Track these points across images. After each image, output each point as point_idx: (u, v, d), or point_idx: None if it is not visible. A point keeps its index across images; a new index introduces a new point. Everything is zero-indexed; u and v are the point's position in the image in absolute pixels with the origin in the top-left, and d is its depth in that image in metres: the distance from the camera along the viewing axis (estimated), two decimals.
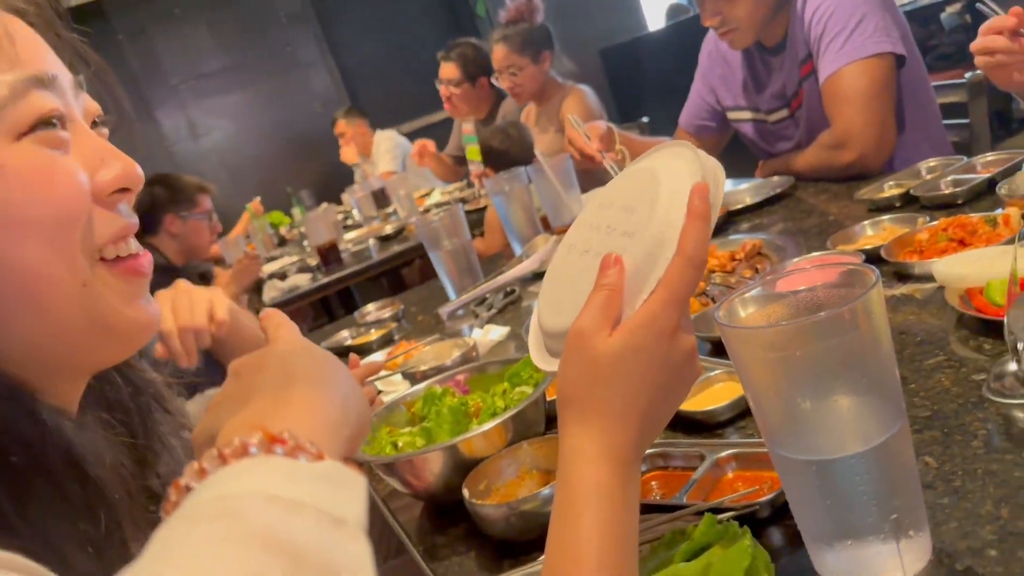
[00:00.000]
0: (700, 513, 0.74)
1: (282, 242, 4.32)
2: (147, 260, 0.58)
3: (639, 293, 0.62)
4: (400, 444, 1.02)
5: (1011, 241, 1.07)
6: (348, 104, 5.40)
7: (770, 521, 0.74)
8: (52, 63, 0.55)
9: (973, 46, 1.23)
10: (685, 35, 5.56)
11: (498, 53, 3.12)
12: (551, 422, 1.07)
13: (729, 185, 2.10)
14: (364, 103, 5.40)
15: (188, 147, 5.69)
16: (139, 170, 0.57)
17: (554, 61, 3.20)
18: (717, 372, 1.01)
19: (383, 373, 1.46)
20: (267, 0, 5.85)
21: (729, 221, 1.77)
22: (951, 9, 5.40)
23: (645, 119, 3.44)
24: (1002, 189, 1.18)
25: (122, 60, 5.39)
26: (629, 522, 0.59)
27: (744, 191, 1.91)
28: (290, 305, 2.95)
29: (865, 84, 1.68)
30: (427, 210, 3.68)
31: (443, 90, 3.69)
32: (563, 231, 2.06)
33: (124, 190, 0.56)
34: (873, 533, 0.60)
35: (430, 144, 4.00)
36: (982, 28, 1.22)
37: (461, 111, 3.74)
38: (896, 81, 1.73)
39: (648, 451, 0.89)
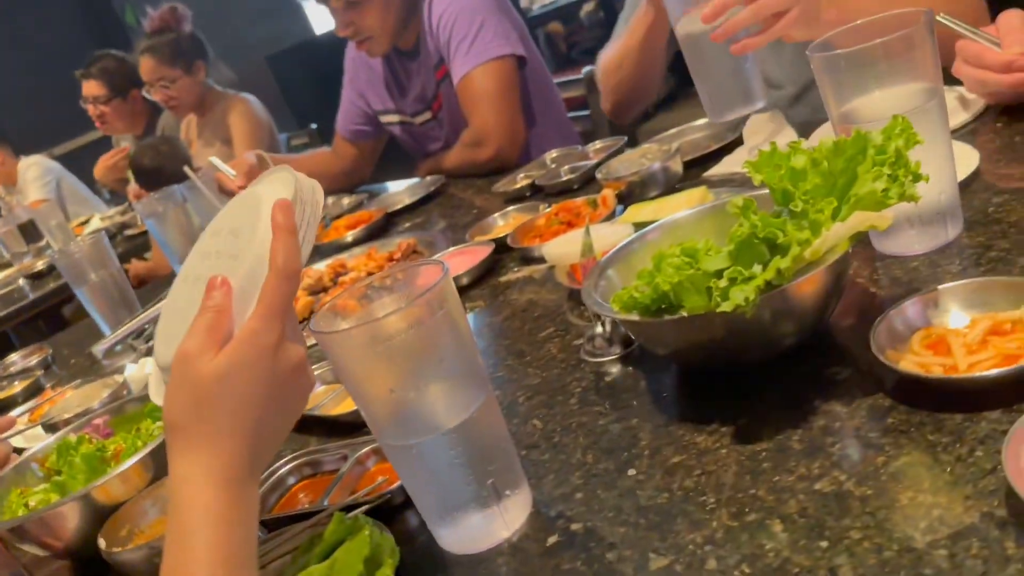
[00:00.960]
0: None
1: None
2: None
3: (246, 313, 0.63)
4: (32, 504, 0.94)
5: (610, 218, 1.23)
6: None
7: (407, 507, 0.79)
8: None
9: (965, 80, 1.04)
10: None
11: (146, 65, 2.94)
12: None
13: (391, 187, 2.17)
14: (5, 128, 4.78)
15: None
16: None
17: (211, 70, 3.08)
18: None
19: (20, 427, 1.32)
20: None
21: (390, 223, 1.83)
22: (587, 8, 6.02)
23: (314, 126, 3.43)
24: (600, 173, 1.35)
25: None
26: (243, 540, 0.59)
27: (403, 192, 1.98)
28: None
29: (492, 85, 1.82)
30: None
31: (91, 109, 3.40)
32: None
33: None
34: (474, 500, 0.67)
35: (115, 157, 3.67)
36: (969, 56, 1.00)
37: (117, 128, 3.48)
38: (521, 79, 1.90)
39: (296, 462, 0.90)
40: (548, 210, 1.34)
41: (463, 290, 1.25)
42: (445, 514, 0.68)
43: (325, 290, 1.52)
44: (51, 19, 5.82)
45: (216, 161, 1.93)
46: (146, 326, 1.69)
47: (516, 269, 1.25)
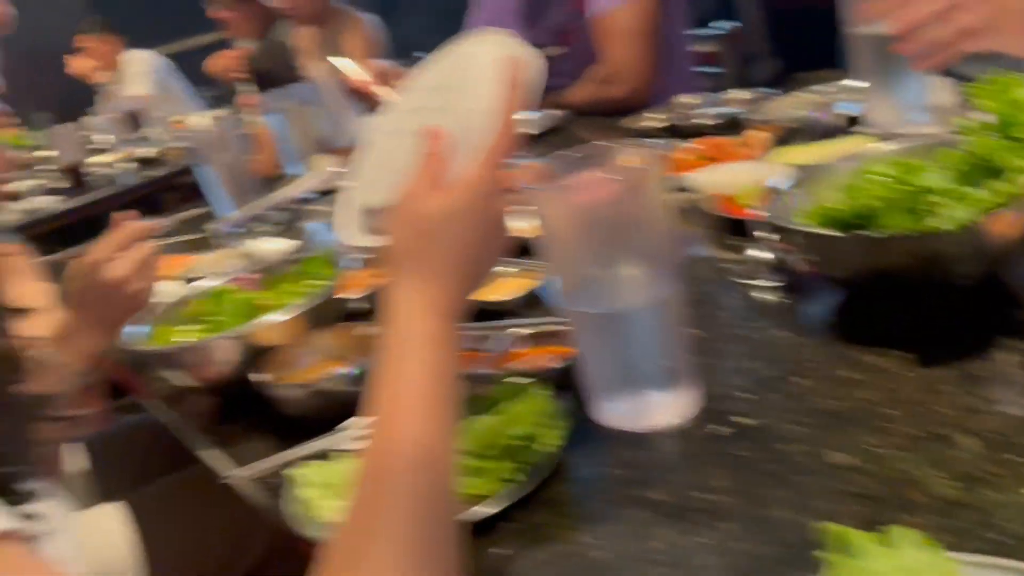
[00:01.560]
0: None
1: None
2: None
3: (459, 161, 0.66)
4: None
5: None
6: (92, 17, 4.86)
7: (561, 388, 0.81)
8: None
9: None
10: None
11: None
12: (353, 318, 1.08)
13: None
14: (118, 21, 4.87)
15: None
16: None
17: None
18: (510, 269, 1.07)
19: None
20: None
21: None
22: None
23: (419, 55, 3.44)
24: (752, 114, 1.34)
25: None
26: (452, 365, 0.62)
27: (527, 123, 1.99)
28: (32, 229, 2.65)
29: (633, 23, 1.81)
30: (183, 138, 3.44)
31: (221, 13, 3.44)
32: (341, 152, 2.03)
33: None
34: (655, 379, 0.69)
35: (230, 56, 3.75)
36: None
37: (242, 30, 3.50)
38: (657, 21, 1.88)
39: None
40: (688, 145, 1.34)
41: None
42: (619, 388, 0.70)
43: None
44: None
45: (345, 62, 1.94)
46: (265, 212, 1.74)
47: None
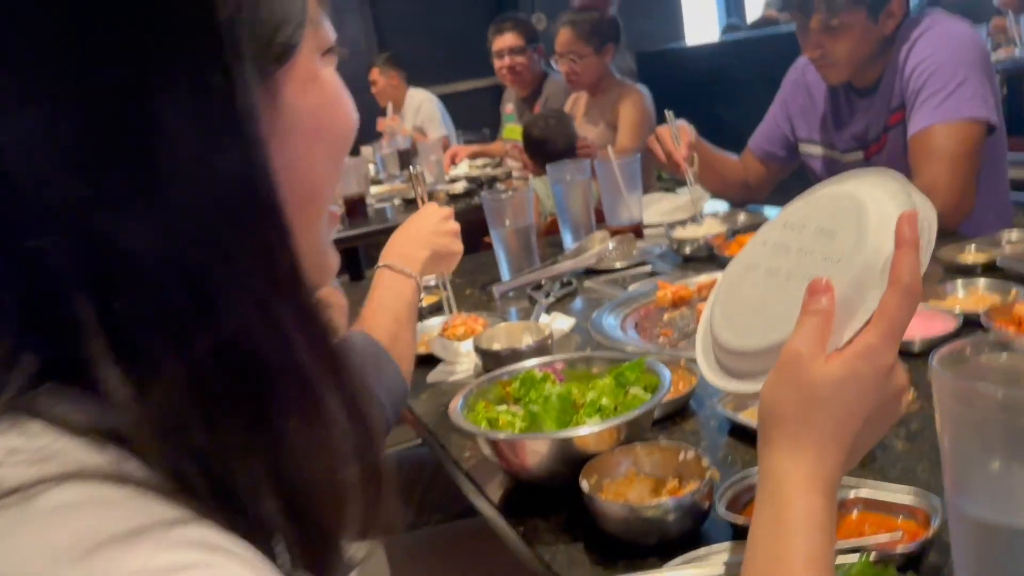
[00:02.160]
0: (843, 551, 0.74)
1: None
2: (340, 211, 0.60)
3: (847, 322, 0.63)
4: (500, 422, 1.01)
5: None
6: (378, 53, 5.32)
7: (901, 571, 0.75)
8: None
9: None
10: (731, 54, 5.57)
11: (563, 37, 3.11)
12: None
13: None
14: (401, 57, 5.31)
15: None
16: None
17: (616, 57, 3.19)
18: None
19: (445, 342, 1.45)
20: None
21: None
22: None
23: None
24: None
25: None
26: (831, 550, 0.60)
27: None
28: None
29: (955, 145, 1.70)
30: (454, 180, 3.65)
31: (505, 61, 3.63)
32: (619, 231, 2.06)
33: None
34: None
35: (461, 151, 4.02)
36: None
37: (526, 79, 3.69)
38: (982, 148, 1.75)
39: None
40: None
41: (915, 356, 1.17)
42: None
43: None
44: None
45: (670, 115, 1.96)
46: (543, 282, 1.79)
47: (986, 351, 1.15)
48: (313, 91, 0.48)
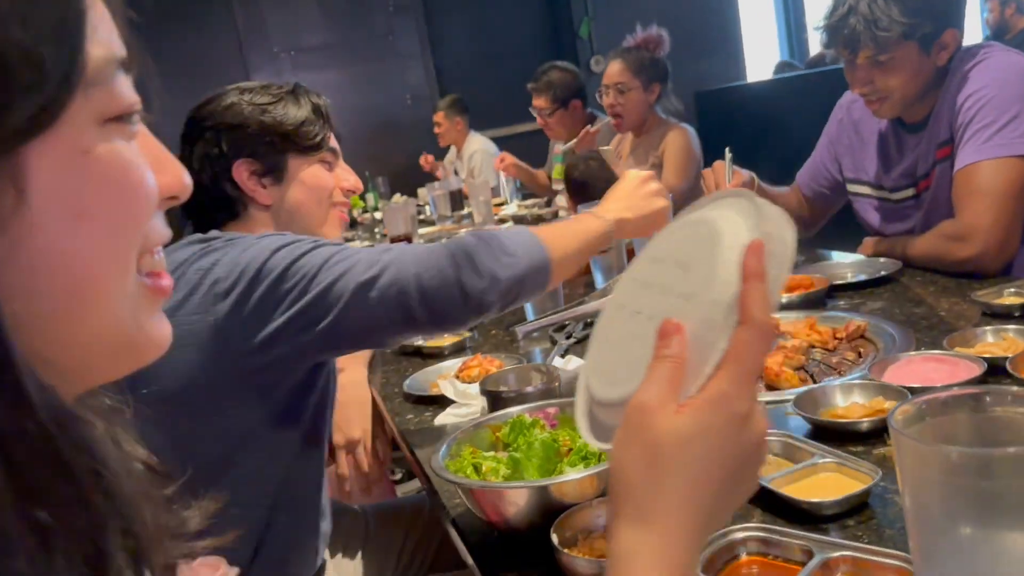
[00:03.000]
0: None
1: (353, 224, 4.34)
2: (171, 282, 0.51)
3: (700, 367, 0.55)
4: (484, 468, 0.99)
5: None
6: (439, 99, 5.42)
7: None
8: (122, 47, 0.46)
9: None
10: (785, 91, 5.50)
11: (612, 69, 3.13)
12: None
13: (832, 257, 2.04)
14: (465, 101, 5.40)
15: None
16: (188, 179, 0.51)
17: (662, 98, 3.18)
18: (827, 460, 0.96)
19: (455, 383, 1.44)
20: None
21: (829, 296, 1.71)
22: None
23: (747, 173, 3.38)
24: None
25: (231, 18, 5.49)
26: None
27: (847, 266, 1.85)
28: None
29: (1002, 182, 1.61)
30: (502, 220, 3.66)
31: (538, 119, 3.72)
32: None
33: (173, 198, 0.50)
34: None
35: (508, 156, 4.02)
36: None
37: (557, 134, 3.77)
38: None
39: (750, 533, 0.84)
40: None
41: None
42: None
43: None
44: (514, 16, 6.46)
45: (729, 154, 1.90)
46: (567, 323, 1.77)
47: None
48: (79, 168, 0.41)
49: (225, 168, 1.32)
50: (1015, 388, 0.61)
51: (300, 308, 1.07)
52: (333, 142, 1.43)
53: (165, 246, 0.50)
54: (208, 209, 1.34)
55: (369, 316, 1.08)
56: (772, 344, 0.55)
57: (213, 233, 1.23)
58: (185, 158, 1.32)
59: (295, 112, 1.35)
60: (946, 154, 1.75)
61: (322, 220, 1.41)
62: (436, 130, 4.97)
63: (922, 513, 0.58)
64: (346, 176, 1.47)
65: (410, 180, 5.19)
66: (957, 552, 0.56)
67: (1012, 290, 1.47)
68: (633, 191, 1.38)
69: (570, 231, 1.27)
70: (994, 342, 1.26)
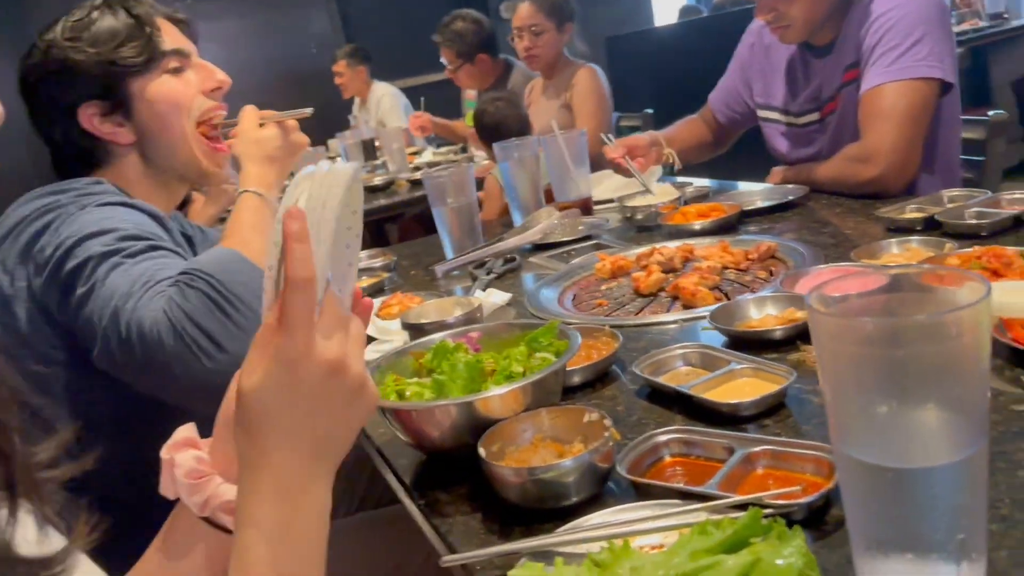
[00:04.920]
0: (735, 507, 0.71)
1: None
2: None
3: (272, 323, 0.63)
4: (408, 393, 0.98)
5: None
6: (347, 45, 5.26)
7: (804, 525, 0.71)
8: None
9: None
10: (693, 34, 5.55)
11: (524, 11, 3.10)
12: (567, 392, 1.04)
13: (742, 186, 2.08)
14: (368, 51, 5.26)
15: None
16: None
17: (570, 41, 3.17)
18: (743, 367, 0.98)
19: (376, 321, 1.41)
20: None
21: (740, 221, 1.75)
22: None
23: (649, 111, 3.41)
24: None
25: None
26: (301, 552, 0.62)
27: (756, 193, 1.89)
28: None
29: (905, 104, 1.66)
30: (416, 168, 3.60)
31: (446, 71, 3.64)
32: (567, 206, 2.02)
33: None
34: (937, 550, 0.58)
35: (425, 118, 3.89)
36: None
37: (467, 85, 3.72)
38: (934, 108, 1.72)
39: (673, 436, 0.86)
40: (964, 251, 1.19)
41: None
42: (895, 551, 0.59)
43: (675, 270, 1.48)
44: None
45: (606, 137, 1.99)
46: (486, 259, 1.76)
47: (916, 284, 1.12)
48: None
49: (71, 120, 1.22)
50: (922, 275, 0.63)
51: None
52: (176, 43, 1.27)
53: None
54: (74, 165, 1.25)
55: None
56: (313, 293, 0.62)
57: (62, 186, 1.18)
58: (34, 121, 1.24)
59: (112, 25, 1.21)
60: (853, 76, 1.79)
61: (192, 136, 1.28)
62: (337, 80, 4.82)
63: (839, 390, 0.59)
64: (206, 76, 1.30)
65: (319, 130, 5.04)
66: (872, 425, 0.58)
67: (914, 206, 1.52)
68: (261, 147, 1.30)
69: (247, 226, 1.21)
70: (899, 253, 1.30)
